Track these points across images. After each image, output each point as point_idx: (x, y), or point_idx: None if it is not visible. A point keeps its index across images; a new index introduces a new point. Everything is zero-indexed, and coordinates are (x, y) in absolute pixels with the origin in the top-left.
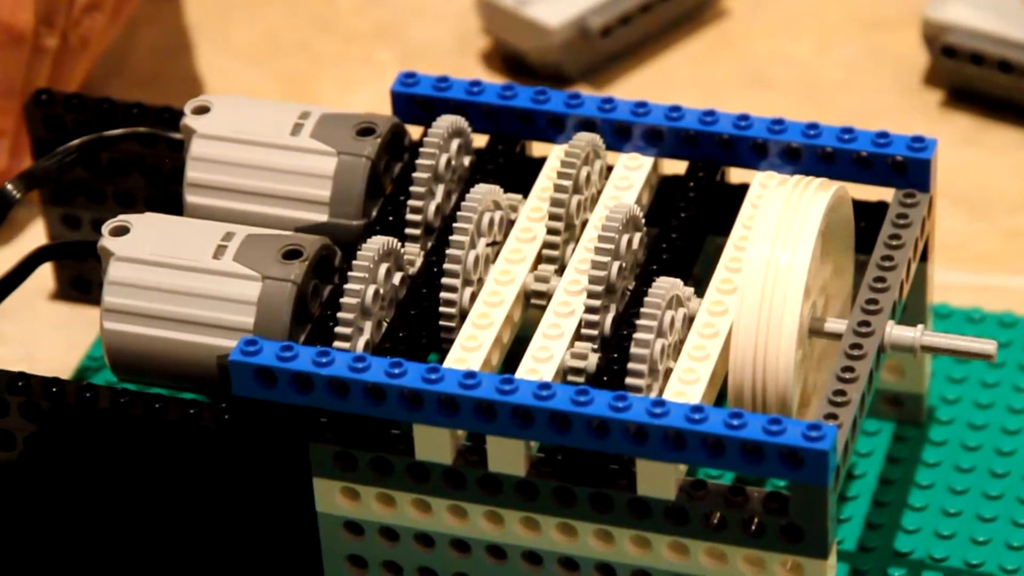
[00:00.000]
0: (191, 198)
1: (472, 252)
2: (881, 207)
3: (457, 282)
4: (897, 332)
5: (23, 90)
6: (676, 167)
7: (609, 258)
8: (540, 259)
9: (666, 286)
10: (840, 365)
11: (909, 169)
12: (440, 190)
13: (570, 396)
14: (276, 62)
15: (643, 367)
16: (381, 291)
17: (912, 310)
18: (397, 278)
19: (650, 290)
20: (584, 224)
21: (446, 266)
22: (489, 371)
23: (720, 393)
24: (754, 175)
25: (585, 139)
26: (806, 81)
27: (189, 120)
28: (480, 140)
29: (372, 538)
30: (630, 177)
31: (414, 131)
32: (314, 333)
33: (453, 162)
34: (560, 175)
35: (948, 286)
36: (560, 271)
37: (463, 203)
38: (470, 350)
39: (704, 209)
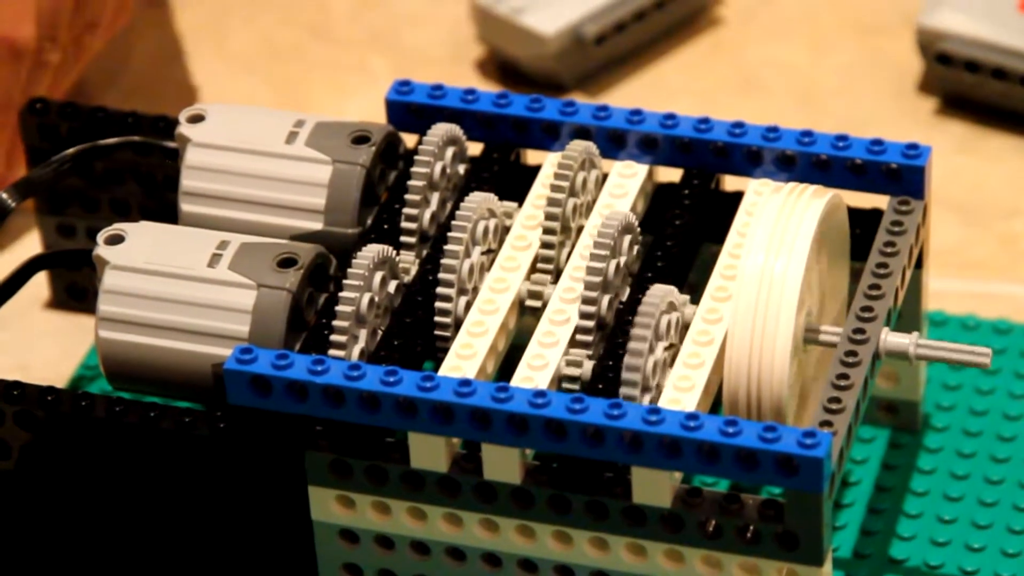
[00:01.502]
0: (186, 206)
1: (467, 261)
2: (876, 214)
3: (452, 291)
4: (892, 339)
5: (21, 104)
6: (671, 175)
7: (604, 265)
8: (535, 267)
9: (661, 293)
10: (835, 372)
11: (904, 176)
12: (435, 198)
13: (565, 404)
14: (270, 69)
15: (637, 374)
16: (376, 299)
17: (907, 317)
18: (392, 286)
19: (645, 297)
20: (579, 231)
21: (441, 275)
22: (484, 379)
23: (715, 401)
24: (749, 182)
25: (580, 147)
26: (800, 88)
27: (184, 129)
28: (475, 148)
29: (367, 546)
30: (625, 185)
31: (409, 139)
32: (309, 341)
33: (448, 170)
34: (556, 177)
35: (943, 293)
36: (555, 277)
37: (458, 211)
38: (465, 358)
39: (699, 217)
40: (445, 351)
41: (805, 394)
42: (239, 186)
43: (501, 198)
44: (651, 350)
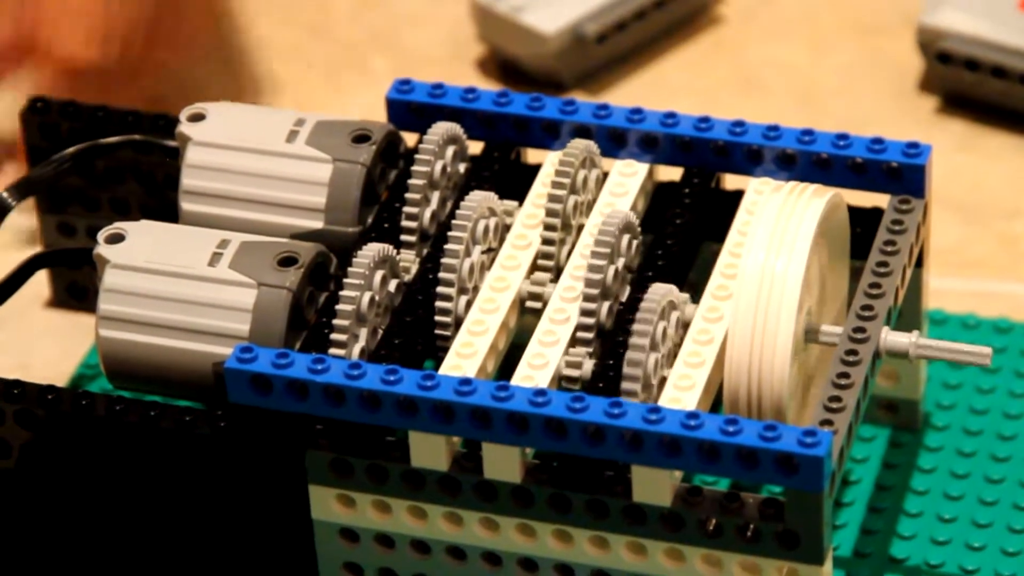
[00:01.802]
0: (187, 205)
1: (467, 260)
2: (876, 213)
3: (452, 291)
4: (892, 338)
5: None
6: (671, 173)
7: (605, 263)
8: (535, 265)
9: (661, 292)
10: (835, 371)
11: (904, 175)
12: (435, 197)
13: (565, 403)
14: (271, 69)
15: (638, 373)
16: (376, 298)
17: (907, 316)
18: (392, 285)
19: (645, 296)
20: (580, 229)
21: (441, 275)
22: (484, 378)
23: (716, 400)
24: (749, 181)
25: (580, 145)
26: (801, 87)
27: (184, 127)
28: (475, 147)
29: (368, 545)
30: (625, 184)
31: (409, 138)
32: (310, 340)
33: (448, 169)
34: (557, 174)
35: (943, 292)
36: (556, 274)
37: (458, 211)
38: (465, 357)
39: (699, 215)
40: (445, 350)
41: (805, 393)
42: (240, 185)
43: (502, 197)
44: (651, 346)
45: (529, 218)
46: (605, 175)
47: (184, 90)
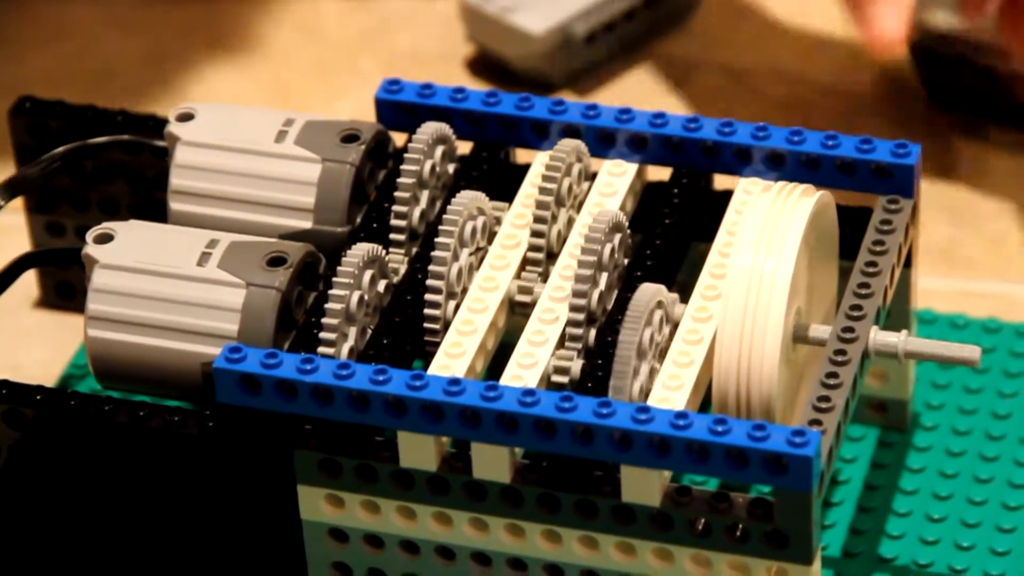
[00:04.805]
0: (175, 205)
1: (455, 264)
2: (865, 213)
3: (440, 297)
4: (881, 338)
5: None
6: (660, 173)
7: (593, 263)
8: (524, 265)
9: (650, 292)
10: (824, 371)
11: (893, 175)
12: (424, 197)
13: (554, 402)
14: (260, 69)
15: (627, 372)
16: (366, 298)
17: (896, 316)
18: (381, 285)
19: (634, 296)
20: (570, 223)
21: (429, 282)
22: (473, 378)
23: (704, 399)
24: (738, 181)
25: (569, 146)
26: (790, 87)
27: (173, 127)
28: (464, 147)
29: (357, 545)
30: (614, 184)
31: (398, 138)
32: (298, 340)
33: (437, 169)
34: (544, 179)
35: (932, 292)
36: (544, 275)
37: (446, 212)
38: (454, 357)
39: (688, 215)
40: (434, 351)
41: (794, 393)
42: (228, 185)
43: (491, 197)
44: (639, 346)
45: (518, 218)
46: (594, 175)
47: (173, 90)
